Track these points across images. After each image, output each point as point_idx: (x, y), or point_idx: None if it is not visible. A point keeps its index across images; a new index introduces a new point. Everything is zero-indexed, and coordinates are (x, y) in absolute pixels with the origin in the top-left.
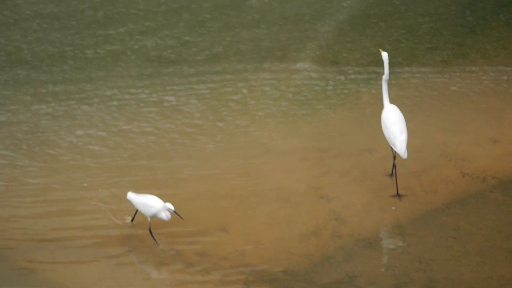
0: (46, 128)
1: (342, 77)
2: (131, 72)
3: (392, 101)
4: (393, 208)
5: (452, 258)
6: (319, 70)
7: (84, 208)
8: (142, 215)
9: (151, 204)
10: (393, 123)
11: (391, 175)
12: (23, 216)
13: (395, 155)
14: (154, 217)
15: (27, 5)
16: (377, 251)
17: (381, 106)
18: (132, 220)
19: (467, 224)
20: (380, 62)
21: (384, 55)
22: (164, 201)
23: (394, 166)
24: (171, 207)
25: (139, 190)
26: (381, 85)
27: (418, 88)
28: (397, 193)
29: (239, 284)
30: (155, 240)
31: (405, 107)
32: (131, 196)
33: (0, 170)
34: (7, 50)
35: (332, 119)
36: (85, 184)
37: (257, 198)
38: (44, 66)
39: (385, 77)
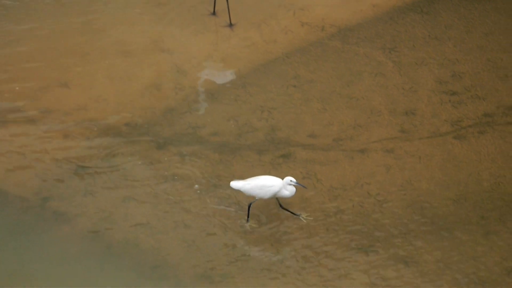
0: None
1: None
2: None
3: None
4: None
5: (293, 106)
6: None
7: None
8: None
9: (270, 183)
10: None
11: (231, 24)
12: None
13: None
14: (275, 196)
15: None
16: (219, 102)
17: None
18: (248, 219)
19: (307, 72)
20: None
21: None
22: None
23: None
24: (292, 179)
25: None
26: None
27: None
28: (230, 23)
29: (82, 138)
30: (247, 218)
31: None
32: (237, 184)
33: None
34: None
35: None
36: None
37: (97, 53)
38: None
39: None
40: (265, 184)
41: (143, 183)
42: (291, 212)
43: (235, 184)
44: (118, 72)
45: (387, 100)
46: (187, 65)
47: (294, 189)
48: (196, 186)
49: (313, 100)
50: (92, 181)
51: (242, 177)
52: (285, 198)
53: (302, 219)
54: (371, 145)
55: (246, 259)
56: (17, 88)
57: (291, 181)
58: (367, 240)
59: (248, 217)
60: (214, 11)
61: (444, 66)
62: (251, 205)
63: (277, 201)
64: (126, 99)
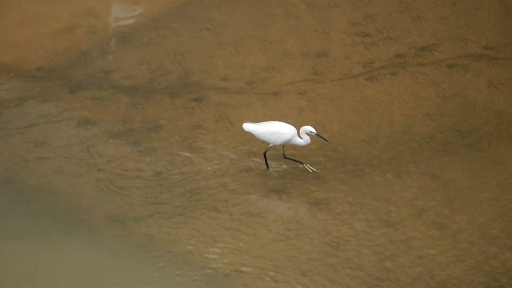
0: None
1: None
2: None
3: None
4: None
5: (206, 49)
6: None
7: None
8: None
9: (283, 131)
10: None
11: None
12: None
13: None
14: (287, 144)
15: None
16: (132, 45)
17: None
18: (267, 165)
19: (220, 15)
20: None
21: None
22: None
23: None
24: (312, 129)
25: None
26: None
27: None
28: None
29: None
30: (267, 166)
31: None
32: (250, 127)
33: None
34: None
35: None
36: None
37: None
38: None
39: None
40: (277, 131)
41: (55, 127)
42: (295, 160)
43: (248, 126)
44: (30, 15)
45: (300, 42)
46: (100, 8)
47: (309, 138)
48: (110, 130)
49: (226, 43)
50: (4, 125)
51: (155, 121)
52: (299, 147)
53: (307, 167)
54: (283, 88)
55: (159, 203)
56: None
57: (311, 132)
58: (280, 182)
59: (267, 165)
60: None
61: (357, 8)
62: (266, 153)
63: (282, 150)
64: (39, 43)
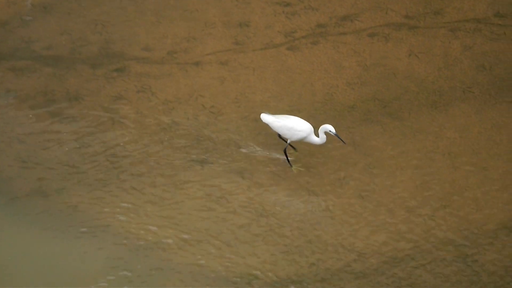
0: None
1: None
2: None
3: None
4: None
5: (127, 19)
6: None
7: None
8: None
9: (298, 128)
10: None
11: None
12: None
13: None
14: (302, 141)
15: None
16: (53, 15)
17: None
18: (289, 162)
19: None
20: None
21: None
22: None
23: None
24: (332, 129)
25: None
26: None
27: None
28: None
29: None
30: (289, 163)
31: None
32: (267, 118)
33: None
34: None
35: None
36: None
37: None
38: None
39: None
40: (293, 127)
41: None
42: (288, 160)
43: (266, 117)
44: None
45: (221, 12)
46: None
47: (325, 137)
48: (30, 101)
49: (147, 13)
50: None
51: (77, 91)
52: (314, 144)
53: (293, 170)
54: (205, 58)
55: (81, 174)
56: None
57: (330, 131)
58: (202, 152)
59: (289, 162)
60: None
61: None
62: (286, 150)
63: (286, 142)
64: None
